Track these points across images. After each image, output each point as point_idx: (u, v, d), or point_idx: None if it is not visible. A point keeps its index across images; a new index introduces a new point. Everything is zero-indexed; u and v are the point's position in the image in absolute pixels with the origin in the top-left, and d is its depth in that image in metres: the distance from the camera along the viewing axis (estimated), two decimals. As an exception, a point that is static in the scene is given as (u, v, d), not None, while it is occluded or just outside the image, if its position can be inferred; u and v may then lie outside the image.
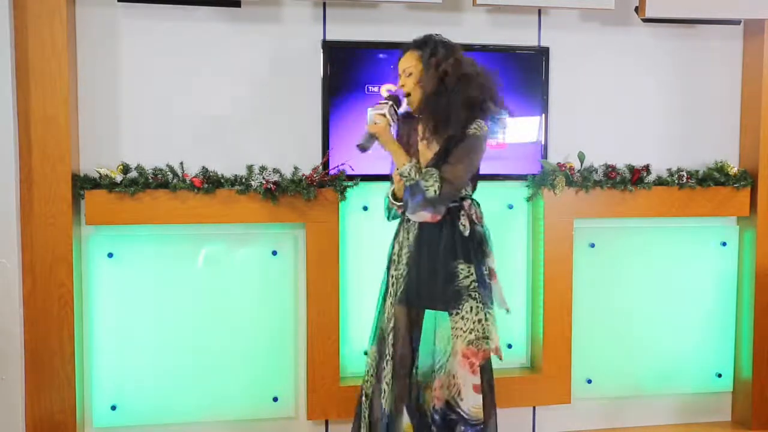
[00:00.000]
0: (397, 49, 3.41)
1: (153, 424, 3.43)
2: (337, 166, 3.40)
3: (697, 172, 3.71)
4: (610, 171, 3.63)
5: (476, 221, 2.88)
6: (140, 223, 3.31)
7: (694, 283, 3.80)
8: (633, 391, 3.80)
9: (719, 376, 3.86)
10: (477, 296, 2.80)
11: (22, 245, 3.20)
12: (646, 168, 3.66)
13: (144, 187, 3.28)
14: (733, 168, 3.73)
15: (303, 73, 3.45)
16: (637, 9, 3.59)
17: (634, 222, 3.73)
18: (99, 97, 3.33)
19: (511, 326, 3.68)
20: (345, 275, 3.53)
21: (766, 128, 3.71)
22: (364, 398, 2.98)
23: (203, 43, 3.39)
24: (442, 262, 2.80)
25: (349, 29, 3.46)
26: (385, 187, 3.48)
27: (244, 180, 3.35)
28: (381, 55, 3.46)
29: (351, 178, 3.41)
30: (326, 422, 3.58)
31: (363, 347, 3.58)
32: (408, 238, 2.90)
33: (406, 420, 2.94)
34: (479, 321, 2.79)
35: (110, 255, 3.35)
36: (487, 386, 2.87)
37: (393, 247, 2.98)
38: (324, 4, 3.45)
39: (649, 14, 3.52)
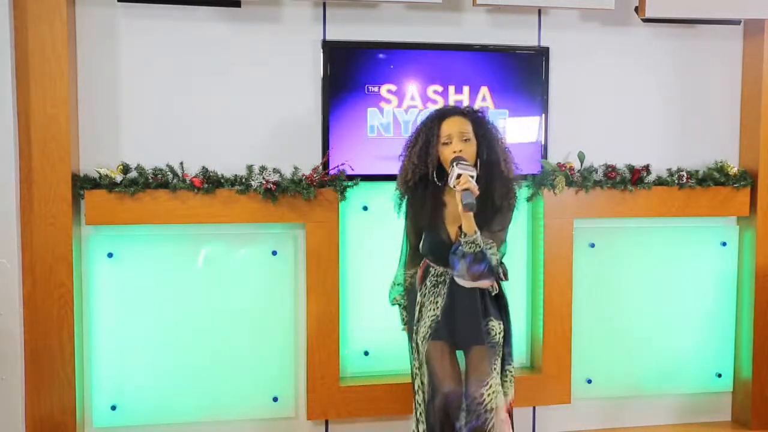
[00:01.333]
0: (397, 49, 3.44)
1: (153, 424, 3.43)
2: (337, 166, 3.40)
3: (697, 172, 3.71)
4: (610, 171, 3.63)
5: (503, 278, 2.89)
6: (140, 223, 3.31)
7: (694, 283, 3.80)
8: (633, 391, 3.80)
9: (719, 376, 3.86)
10: (501, 354, 2.86)
11: (22, 245, 3.20)
12: (646, 168, 3.66)
13: (144, 187, 3.28)
14: (733, 168, 3.73)
15: (303, 73, 3.45)
16: (637, 9, 3.59)
17: (634, 222, 3.73)
18: (99, 97, 3.33)
19: (511, 326, 3.69)
20: (345, 275, 3.53)
21: (766, 128, 3.71)
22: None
23: (203, 43, 3.39)
24: (478, 319, 2.82)
25: (349, 29, 3.46)
26: (385, 188, 3.49)
27: (244, 180, 3.35)
28: (381, 55, 3.46)
29: (351, 178, 3.41)
30: (326, 422, 3.58)
31: (363, 347, 3.60)
32: (435, 304, 2.86)
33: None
34: (504, 377, 2.88)
35: (110, 255, 3.35)
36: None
37: (414, 314, 2.92)
38: (324, 4, 3.45)
39: (649, 14, 3.52)
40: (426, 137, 2.80)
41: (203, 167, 3.34)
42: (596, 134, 3.68)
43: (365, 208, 3.54)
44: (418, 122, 2.94)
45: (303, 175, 3.38)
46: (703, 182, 3.70)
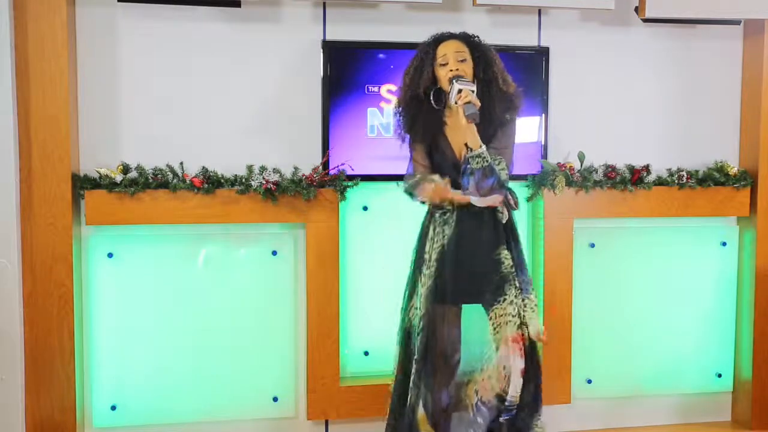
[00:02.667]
0: (397, 49, 3.43)
1: (153, 424, 3.43)
2: (337, 166, 3.40)
3: (697, 172, 3.71)
4: (610, 171, 3.63)
5: (513, 206, 2.92)
6: (140, 223, 3.31)
7: (694, 283, 3.80)
8: (633, 391, 3.80)
9: (719, 376, 3.86)
10: (517, 282, 2.85)
11: (22, 245, 3.20)
12: (646, 168, 3.66)
13: (144, 187, 3.28)
14: (733, 168, 3.73)
15: (303, 73, 3.45)
16: (637, 9, 3.59)
17: (634, 222, 3.73)
18: (99, 97, 3.33)
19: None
20: (345, 275, 3.53)
21: (766, 128, 3.71)
22: (394, 399, 2.98)
23: (203, 43, 3.39)
24: (486, 252, 2.83)
25: (349, 29, 3.46)
26: (385, 188, 3.49)
27: (244, 180, 3.35)
28: (381, 55, 3.46)
29: (351, 178, 3.41)
30: (326, 422, 3.58)
31: (363, 347, 3.60)
32: (443, 234, 2.87)
33: (420, 412, 2.89)
34: (522, 306, 2.85)
35: (110, 255, 3.35)
36: (536, 368, 2.89)
37: (424, 246, 2.93)
38: (324, 4, 3.45)
39: (649, 14, 3.52)
40: (421, 60, 2.86)
41: (203, 167, 3.34)
42: (596, 134, 3.68)
43: (365, 208, 3.54)
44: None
45: (303, 175, 3.38)
46: (703, 182, 3.70)
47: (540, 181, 3.55)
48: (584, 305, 3.69)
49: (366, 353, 3.60)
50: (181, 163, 3.34)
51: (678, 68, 3.76)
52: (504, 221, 2.89)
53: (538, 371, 2.91)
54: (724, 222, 3.85)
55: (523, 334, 2.83)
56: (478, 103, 2.74)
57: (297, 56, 3.45)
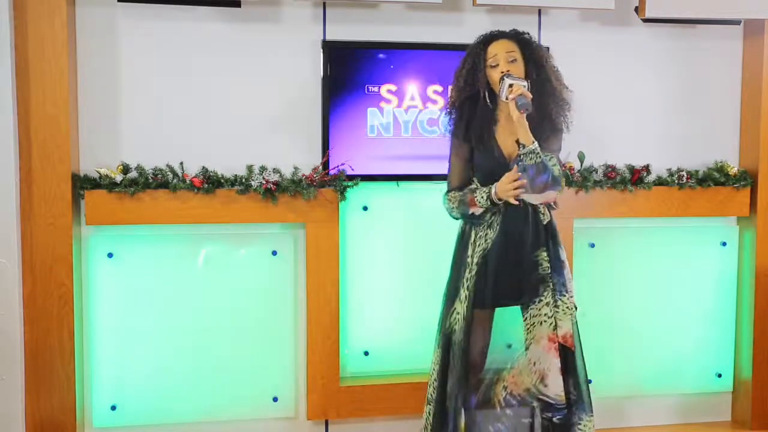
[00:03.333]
0: (397, 49, 3.43)
1: (153, 424, 3.43)
2: (337, 166, 3.40)
3: (697, 172, 3.71)
4: (610, 171, 3.63)
5: (554, 206, 2.91)
6: (140, 223, 3.31)
7: (694, 283, 3.80)
8: (633, 391, 3.81)
9: (719, 376, 3.86)
10: (552, 283, 2.84)
11: (22, 245, 3.20)
12: (646, 168, 3.67)
13: (144, 187, 3.28)
14: (733, 168, 3.73)
15: (303, 73, 3.45)
16: (637, 9, 3.59)
17: (634, 222, 3.73)
18: (99, 97, 3.33)
19: (562, 254, 3.67)
20: (345, 275, 3.53)
21: (766, 128, 3.71)
22: (437, 408, 2.94)
23: (203, 43, 3.39)
24: (528, 252, 2.83)
25: (349, 29, 3.46)
26: (385, 188, 3.50)
27: (244, 180, 3.35)
28: (381, 55, 3.46)
29: (351, 178, 3.41)
30: (326, 422, 3.58)
31: (363, 347, 3.59)
32: (485, 238, 2.85)
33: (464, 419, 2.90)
34: (556, 307, 2.84)
35: (110, 255, 3.35)
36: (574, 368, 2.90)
37: (465, 250, 2.90)
38: (324, 4, 3.45)
39: (649, 14, 3.52)
40: (473, 61, 2.84)
41: (203, 167, 3.34)
42: (596, 134, 3.68)
43: (365, 208, 3.54)
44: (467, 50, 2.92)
45: (303, 175, 3.38)
46: (703, 182, 3.70)
47: (540, 181, 3.54)
48: (584, 305, 3.68)
49: (366, 353, 3.59)
50: (181, 163, 3.34)
51: (678, 68, 3.76)
52: (545, 222, 2.88)
53: (576, 370, 2.90)
54: (724, 222, 3.85)
55: (557, 334, 2.84)
56: (530, 95, 2.71)
57: (297, 56, 3.45)
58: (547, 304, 2.82)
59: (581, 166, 3.59)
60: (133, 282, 3.38)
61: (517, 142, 2.74)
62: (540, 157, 2.72)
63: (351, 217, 3.54)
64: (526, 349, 2.83)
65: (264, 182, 3.33)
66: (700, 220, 3.79)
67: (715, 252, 3.82)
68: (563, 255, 2.91)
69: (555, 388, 2.81)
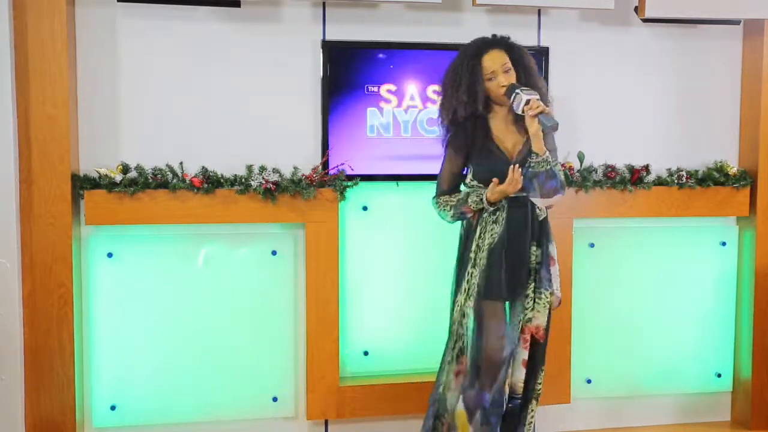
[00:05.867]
0: (396, 49, 3.43)
1: (153, 424, 3.43)
2: (337, 166, 3.41)
3: (696, 172, 3.71)
4: (609, 171, 3.63)
5: (551, 205, 3.00)
6: (140, 223, 3.32)
7: (694, 283, 3.80)
8: (633, 391, 3.81)
9: (719, 376, 3.86)
10: (537, 277, 2.94)
11: (22, 245, 3.20)
12: (646, 168, 3.67)
13: (143, 187, 3.28)
14: (733, 168, 3.73)
15: (303, 73, 3.45)
16: (636, 9, 3.59)
17: (634, 222, 3.74)
18: (99, 97, 3.33)
19: (553, 250, 3.67)
20: (345, 275, 3.53)
21: (766, 128, 3.71)
22: (439, 400, 3.01)
23: (203, 43, 3.39)
24: (528, 248, 2.92)
25: (349, 29, 3.46)
26: (385, 188, 3.49)
27: (243, 180, 3.35)
28: (381, 55, 3.46)
29: (351, 178, 3.41)
30: (326, 422, 3.59)
31: (363, 347, 3.60)
32: (491, 232, 2.91)
33: (460, 408, 2.96)
34: (537, 300, 2.95)
35: (110, 255, 3.35)
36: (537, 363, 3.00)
37: (470, 245, 2.96)
38: (324, 4, 3.45)
39: (648, 14, 3.52)
40: (470, 75, 2.89)
41: (203, 167, 3.34)
42: (596, 134, 3.68)
43: (365, 208, 3.54)
44: (454, 61, 2.97)
45: (303, 175, 3.38)
46: (702, 182, 3.71)
47: (540, 181, 3.55)
48: (584, 305, 3.70)
49: (366, 353, 3.60)
50: (181, 163, 3.34)
51: (678, 68, 3.76)
52: (541, 219, 2.96)
53: (541, 364, 3.01)
54: (723, 222, 3.85)
55: (531, 326, 2.95)
56: (552, 112, 2.83)
57: (297, 56, 3.45)
58: (527, 295, 2.92)
59: (581, 166, 3.59)
60: (133, 282, 3.38)
61: (530, 150, 2.83)
62: (549, 164, 2.82)
63: (351, 217, 3.54)
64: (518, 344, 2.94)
65: (264, 182, 3.33)
66: (699, 220, 3.79)
67: (714, 252, 3.82)
68: (554, 252, 3.00)
69: (516, 378, 2.95)
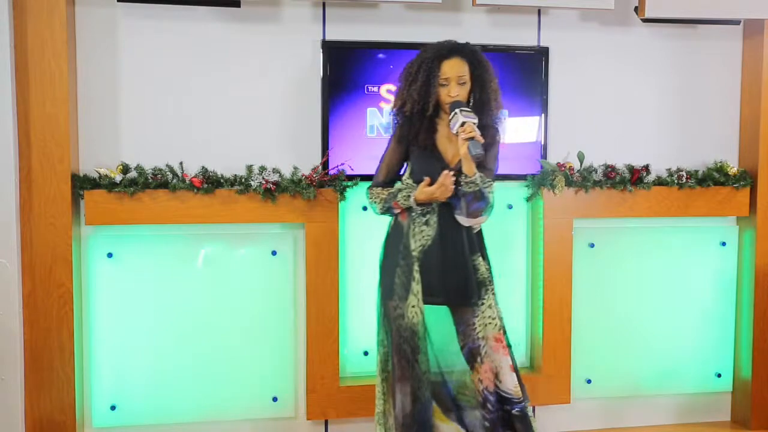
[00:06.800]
0: (396, 49, 3.43)
1: (153, 424, 3.43)
2: (337, 166, 3.41)
3: (696, 172, 3.71)
4: (609, 171, 3.63)
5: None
6: (140, 223, 3.32)
7: (694, 283, 3.80)
8: (633, 391, 3.81)
9: (719, 376, 3.86)
10: (492, 288, 2.99)
11: (21, 245, 3.20)
12: (646, 168, 3.67)
13: (143, 187, 3.28)
14: (733, 168, 3.73)
15: (303, 73, 3.45)
16: (636, 9, 3.59)
17: (634, 222, 3.73)
18: (99, 97, 3.33)
19: (511, 326, 3.68)
20: (345, 275, 3.53)
21: (766, 128, 3.71)
22: (382, 400, 3.01)
23: (203, 43, 3.39)
24: (466, 256, 2.93)
25: (349, 29, 3.46)
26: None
27: (243, 180, 3.35)
28: (381, 55, 3.47)
29: (351, 178, 3.42)
30: (326, 422, 3.58)
31: (363, 347, 3.59)
32: (422, 234, 2.92)
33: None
34: (499, 309, 3.01)
35: (110, 255, 3.36)
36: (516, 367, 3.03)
37: (398, 246, 2.96)
38: (324, 4, 3.45)
39: (648, 14, 3.52)
40: (426, 76, 2.88)
41: (203, 167, 3.35)
42: (596, 134, 3.68)
43: (365, 208, 3.54)
44: (420, 53, 2.95)
45: (303, 175, 3.38)
46: (702, 182, 3.71)
47: (539, 181, 3.55)
48: (584, 305, 3.70)
49: (366, 353, 3.60)
50: (181, 163, 3.34)
51: (678, 68, 3.76)
52: (476, 230, 2.99)
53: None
54: (723, 222, 3.85)
55: (504, 334, 2.99)
56: (482, 139, 2.80)
57: (296, 56, 3.45)
58: (490, 306, 2.96)
59: (581, 166, 3.59)
60: (133, 282, 3.38)
61: (459, 171, 2.84)
62: (478, 186, 2.83)
63: (351, 217, 3.54)
64: (482, 348, 2.94)
65: (263, 182, 3.34)
66: (699, 220, 3.79)
67: (714, 252, 3.82)
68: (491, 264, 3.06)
69: (509, 383, 2.95)
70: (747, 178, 3.73)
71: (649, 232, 3.76)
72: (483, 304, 2.95)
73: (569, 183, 3.56)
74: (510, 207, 3.65)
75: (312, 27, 3.46)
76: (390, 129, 3.05)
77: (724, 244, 3.82)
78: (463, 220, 2.91)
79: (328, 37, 3.46)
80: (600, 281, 3.72)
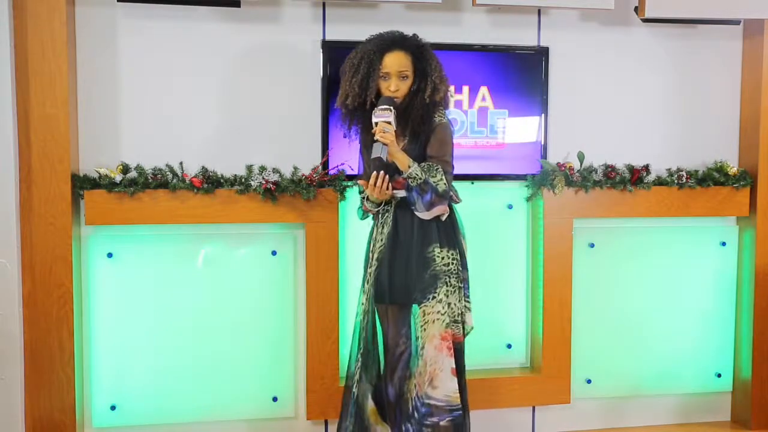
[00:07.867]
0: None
1: (152, 424, 3.43)
2: (337, 166, 3.41)
3: (696, 172, 3.71)
4: (609, 171, 3.63)
5: (455, 200, 2.94)
6: (140, 223, 3.32)
7: (694, 283, 3.80)
8: (633, 391, 3.81)
9: (719, 376, 3.86)
10: (452, 280, 2.85)
11: (21, 245, 3.20)
12: (646, 168, 3.67)
13: (143, 187, 3.28)
14: (733, 168, 3.73)
15: (303, 73, 3.45)
16: (636, 9, 3.59)
17: (634, 222, 3.74)
18: (99, 97, 3.33)
19: (511, 326, 3.69)
20: (345, 275, 3.53)
21: (766, 128, 3.71)
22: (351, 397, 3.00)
23: (203, 43, 3.39)
24: (417, 250, 2.85)
25: (349, 29, 3.46)
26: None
27: (243, 180, 3.35)
28: (381, 55, 3.46)
29: (351, 178, 3.41)
30: (326, 422, 3.58)
31: (363, 347, 3.60)
32: (382, 234, 2.91)
33: (371, 405, 2.99)
34: (455, 304, 2.85)
35: (110, 255, 3.35)
36: (461, 370, 2.89)
37: (368, 248, 3.00)
38: (324, 4, 3.45)
39: (648, 14, 3.52)
40: (367, 69, 2.83)
41: (203, 167, 3.35)
42: (596, 134, 3.68)
43: (365, 208, 3.54)
44: (363, 43, 2.91)
45: (303, 175, 3.38)
46: (702, 182, 3.71)
47: (539, 181, 3.55)
48: (584, 305, 3.70)
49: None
50: (181, 163, 3.34)
51: (678, 68, 3.76)
52: (444, 218, 2.88)
53: (462, 376, 2.90)
54: (723, 222, 3.85)
55: (454, 333, 2.85)
56: (387, 142, 2.72)
57: (297, 56, 3.45)
58: (440, 301, 2.83)
59: (581, 166, 3.59)
60: (133, 282, 3.38)
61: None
62: (420, 178, 2.75)
63: (351, 217, 3.53)
64: (422, 348, 2.83)
65: (263, 182, 3.33)
66: (699, 220, 3.79)
67: (714, 252, 3.82)
68: (465, 250, 2.94)
69: (444, 389, 2.80)
70: (747, 178, 3.73)
71: (649, 232, 3.76)
72: (433, 298, 2.82)
73: (569, 183, 3.56)
74: (510, 207, 3.65)
75: (312, 27, 3.46)
76: (345, 132, 2.98)
77: (724, 244, 3.82)
78: (424, 215, 2.82)
79: (328, 37, 3.46)
80: (600, 281, 3.72)
